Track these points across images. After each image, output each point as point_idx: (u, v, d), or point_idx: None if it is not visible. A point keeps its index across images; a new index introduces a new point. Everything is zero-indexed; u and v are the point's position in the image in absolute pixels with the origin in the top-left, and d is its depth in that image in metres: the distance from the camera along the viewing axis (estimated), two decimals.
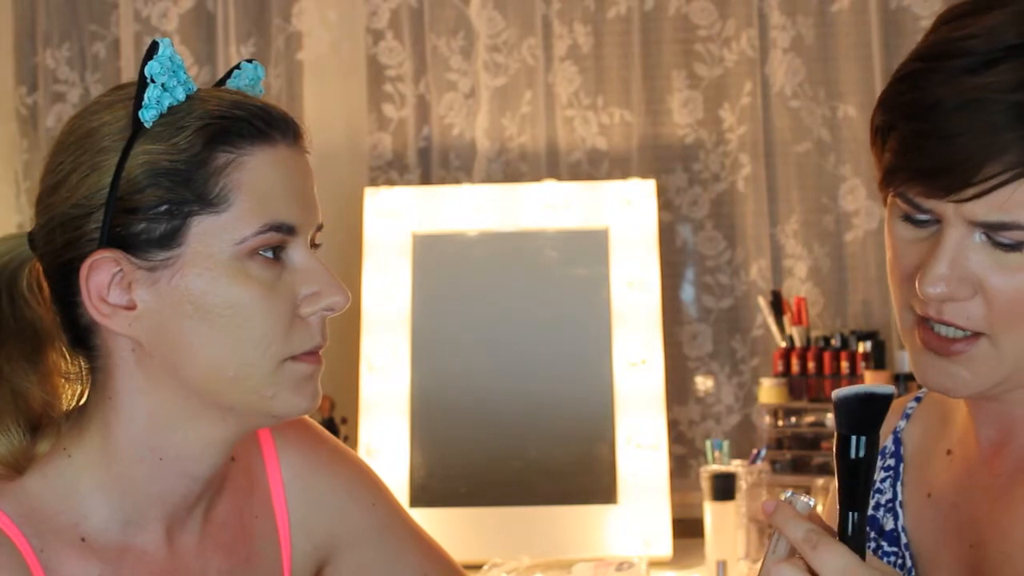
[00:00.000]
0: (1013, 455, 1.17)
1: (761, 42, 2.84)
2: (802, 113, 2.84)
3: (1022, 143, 1.04)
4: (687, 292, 2.88)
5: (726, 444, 2.54)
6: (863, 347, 2.69)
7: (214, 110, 1.13)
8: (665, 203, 2.85)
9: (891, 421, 1.28)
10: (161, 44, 1.13)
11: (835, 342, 2.72)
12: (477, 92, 2.89)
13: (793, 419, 2.68)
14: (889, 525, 1.26)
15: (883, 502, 1.26)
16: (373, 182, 2.91)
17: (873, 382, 2.58)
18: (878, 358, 2.69)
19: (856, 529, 1.04)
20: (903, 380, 2.64)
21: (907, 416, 1.29)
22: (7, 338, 1.16)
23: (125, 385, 1.15)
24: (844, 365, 2.69)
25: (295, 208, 1.15)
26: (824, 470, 2.61)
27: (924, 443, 1.27)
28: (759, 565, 1.07)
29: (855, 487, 1.04)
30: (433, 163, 2.91)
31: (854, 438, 1.04)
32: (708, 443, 2.56)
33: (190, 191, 1.11)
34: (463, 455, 2.62)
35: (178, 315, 1.12)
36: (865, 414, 1.04)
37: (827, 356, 2.70)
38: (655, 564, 2.50)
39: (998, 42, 1.06)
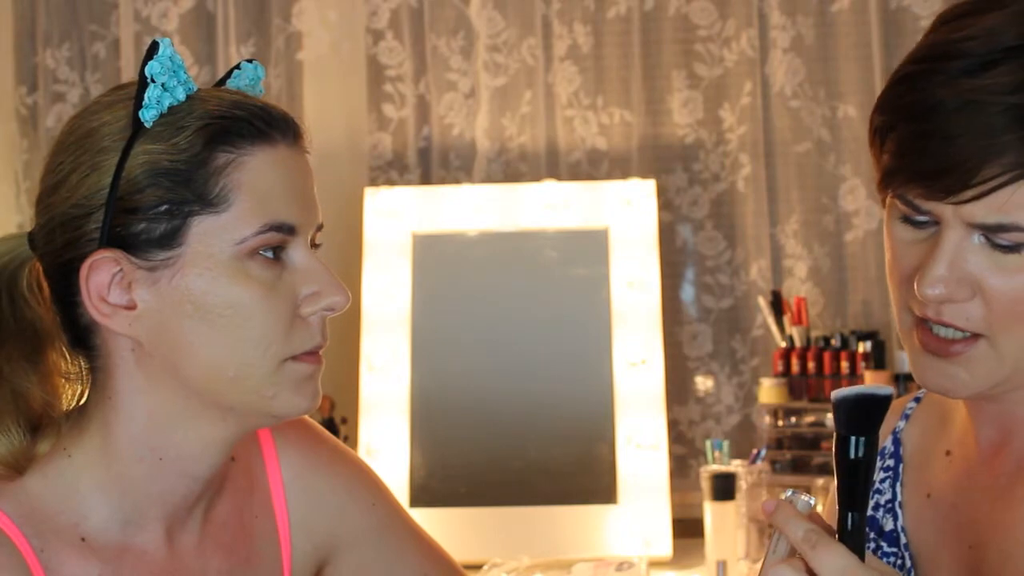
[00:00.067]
0: (1012, 455, 1.17)
1: (761, 42, 2.84)
2: (802, 113, 2.84)
3: (1020, 145, 1.04)
4: (687, 292, 2.88)
5: (726, 444, 2.54)
6: (863, 347, 2.69)
7: (214, 110, 1.13)
8: (665, 203, 2.85)
9: (890, 421, 1.28)
10: (161, 44, 1.13)
11: (835, 342, 2.72)
12: (477, 92, 2.89)
13: (793, 419, 2.68)
14: (888, 526, 1.26)
15: (882, 503, 1.26)
16: (373, 182, 2.91)
17: (873, 382, 2.58)
18: (878, 358, 2.69)
19: (855, 529, 1.04)
20: (903, 380, 2.64)
21: (906, 417, 1.29)
22: (7, 338, 1.16)
23: (125, 385, 1.15)
24: (844, 365, 2.69)
25: (295, 208, 1.15)
26: (824, 470, 2.61)
27: (923, 443, 1.27)
28: (759, 565, 1.07)
29: (854, 487, 1.04)
30: (433, 163, 2.91)
31: (853, 438, 1.04)
32: (708, 443, 2.56)
33: (190, 191, 1.11)
34: (463, 455, 2.62)
35: (178, 315, 1.12)
36: (864, 415, 1.04)
37: (827, 356, 2.70)
38: (655, 564, 2.50)
39: (997, 43, 1.06)
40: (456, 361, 2.67)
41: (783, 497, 1.07)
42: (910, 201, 1.10)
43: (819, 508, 1.09)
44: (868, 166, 2.72)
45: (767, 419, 2.68)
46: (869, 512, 1.24)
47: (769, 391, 2.68)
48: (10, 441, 1.13)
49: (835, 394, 1.05)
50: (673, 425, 2.82)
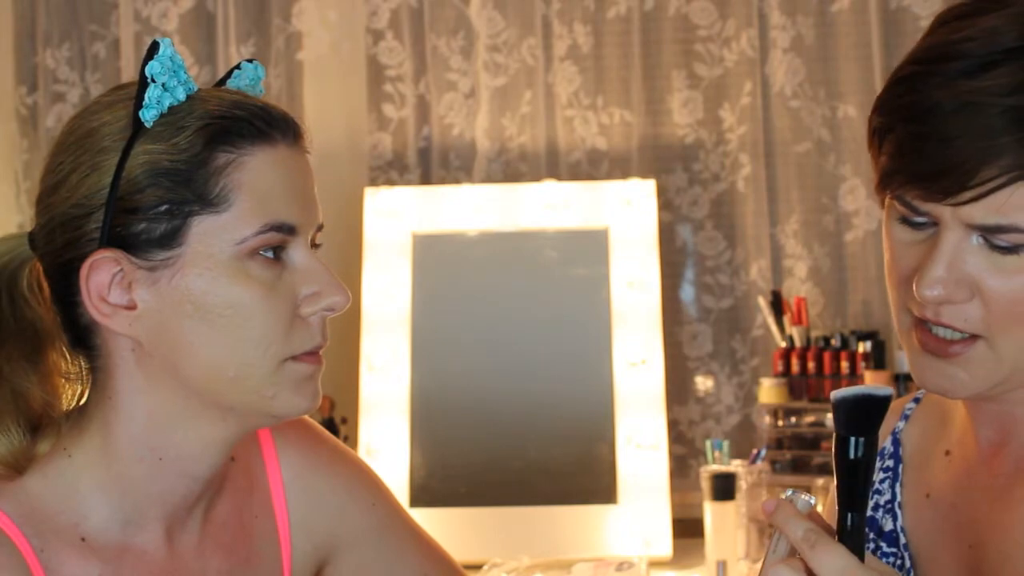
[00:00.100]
0: (1012, 456, 1.17)
1: (761, 42, 2.84)
2: (802, 113, 2.84)
3: (1018, 146, 1.04)
4: (687, 292, 2.88)
5: (726, 444, 2.54)
6: (863, 347, 2.69)
7: (214, 110, 1.13)
8: (665, 203, 2.85)
9: (890, 422, 1.28)
10: (162, 44, 1.13)
11: (835, 342, 2.72)
12: (477, 92, 2.89)
13: (793, 419, 2.68)
14: (888, 526, 1.26)
15: (882, 503, 1.26)
16: (373, 182, 2.91)
17: (873, 382, 2.59)
18: (878, 358, 2.69)
19: (855, 529, 1.04)
20: (903, 380, 2.64)
21: (906, 417, 1.29)
22: (7, 338, 1.16)
23: (125, 385, 1.15)
24: (844, 365, 2.69)
25: (295, 208, 1.15)
26: (824, 470, 2.61)
27: (923, 444, 1.27)
28: (759, 565, 1.07)
29: (854, 488, 1.04)
30: (433, 163, 2.91)
31: (853, 439, 1.04)
32: (708, 443, 2.56)
33: (190, 191, 1.11)
34: (463, 455, 2.62)
35: (178, 315, 1.12)
36: (863, 415, 1.04)
37: (827, 356, 2.70)
38: (655, 564, 2.50)
39: (996, 45, 1.06)
40: (456, 361, 2.67)
41: (783, 497, 1.07)
42: (908, 202, 1.10)
43: (819, 508, 1.09)
44: (868, 166, 2.71)
45: (767, 419, 2.68)
46: (869, 512, 1.24)
47: (769, 391, 2.68)
48: (10, 441, 1.13)
49: (834, 394, 1.05)
50: (673, 425, 2.82)
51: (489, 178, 2.87)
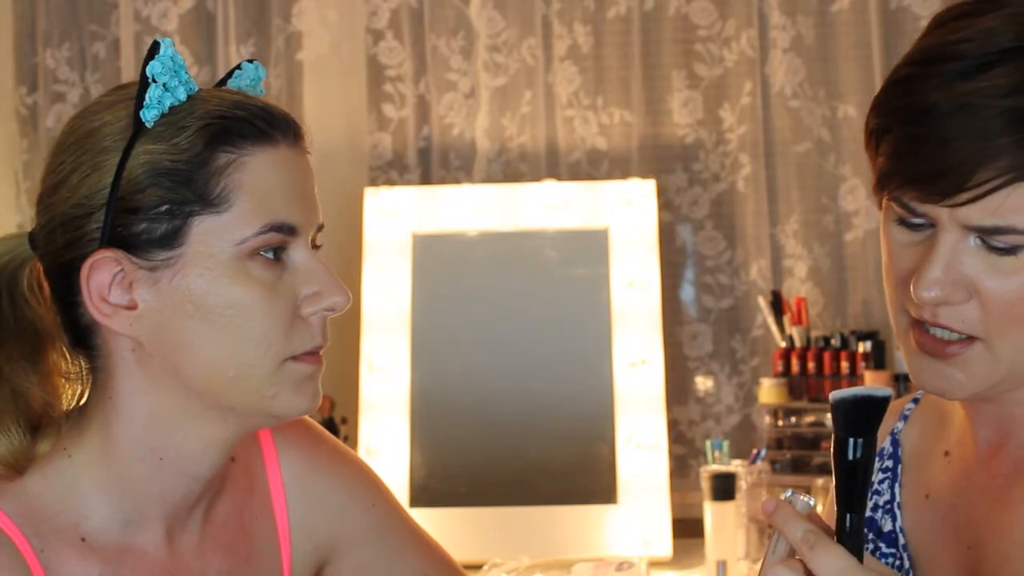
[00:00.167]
0: (1010, 456, 1.17)
1: (761, 42, 2.84)
2: (802, 113, 2.84)
3: (1015, 148, 1.04)
4: (687, 292, 2.89)
5: (726, 444, 2.54)
6: (863, 347, 2.69)
7: (215, 110, 1.13)
8: (665, 203, 2.85)
9: (889, 422, 1.28)
10: (162, 44, 1.13)
11: (835, 342, 2.72)
12: (477, 92, 2.89)
13: (793, 419, 2.68)
14: (887, 526, 1.26)
15: (881, 503, 1.26)
16: (373, 182, 2.91)
17: (873, 382, 2.59)
18: (878, 358, 2.69)
19: (854, 530, 1.04)
20: (903, 380, 2.64)
21: (905, 417, 1.29)
22: (7, 338, 1.16)
23: (125, 385, 1.15)
24: (844, 365, 2.69)
25: (296, 208, 1.15)
26: (824, 470, 2.61)
27: (922, 444, 1.27)
28: (759, 565, 1.07)
29: (852, 488, 1.04)
30: (433, 163, 2.91)
31: (851, 440, 1.04)
32: (708, 443, 2.56)
33: (191, 191, 1.11)
34: (463, 455, 2.62)
35: (179, 315, 1.12)
36: (862, 416, 1.04)
37: (827, 356, 2.70)
38: (655, 564, 2.50)
39: (992, 46, 1.06)
40: (456, 361, 2.67)
41: (782, 498, 1.07)
42: (906, 204, 1.10)
43: (819, 509, 1.09)
44: (868, 166, 2.72)
45: (767, 419, 2.68)
46: (868, 513, 1.24)
47: (769, 391, 2.69)
48: (10, 441, 1.13)
49: (833, 396, 1.05)
50: (673, 425, 2.82)
51: (489, 178, 2.87)
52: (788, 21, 2.83)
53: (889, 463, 1.27)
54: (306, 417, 1.30)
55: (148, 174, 1.11)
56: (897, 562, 1.24)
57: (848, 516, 1.04)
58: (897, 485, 1.26)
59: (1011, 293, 1.08)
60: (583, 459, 2.60)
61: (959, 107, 1.05)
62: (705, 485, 2.46)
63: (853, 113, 2.81)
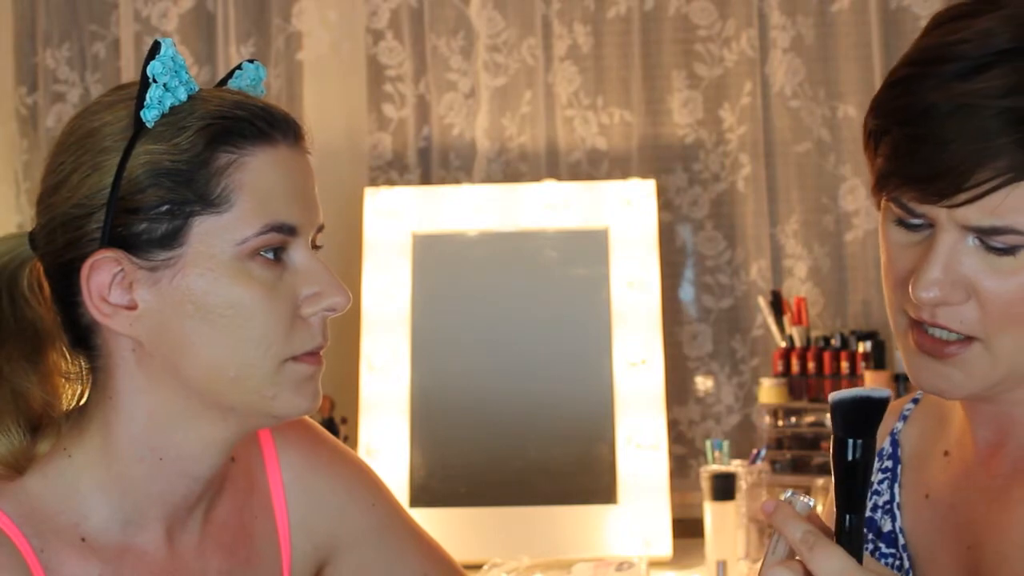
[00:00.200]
0: (1010, 456, 1.17)
1: (761, 42, 2.84)
2: (802, 113, 2.84)
3: (1013, 148, 1.04)
4: (687, 292, 2.89)
5: (726, 444, 2.54)
6: (863, 347, 2.69)
7: (216, 110, 1.13)
8: (665, 203, 2.85)
9: (888, 423, 1.28)
10: (163, 44, 1.13)
11: (835, 342, 2.72)
12: (477, 92, 2.89)
13: (793, 419, 2.68)
14: (887, 527, 1.26)
15: (881, 504, 1.26)
16: (373, 182, 2.91)
17: (873, 382, 2.59)
18: (878, 358, 2.69)
19: (853, 531, 1.04)
20: (903, 380, 2.64)
21: (904, 418, 1.29)
22: (7, 338, 1.16)
23: (126, 385, 1.15)
24: (844, 365, 2.69)
25: (296, 209, 1.15)
26: (824, 470, 2.61)
27: (921, 445, 1.27)
28: (759, 565, 1.07)
29: (852, 489, 1.04)
30: (433, 163, 2.91)
31: (850, 441, 1.04)
32: (708, 443, 2.56)
33: (192, 191, 1.11)
34: (463, 455, 2.62)
35: (179, 315, 1.12)
36: (861, 417, 1.04)
37: (827, 356, 2.70)
38: (655, 564, 2.50)
39: (990, 46, 1.06)
40: (456, 361, 2.67)
41: (782, 498, 1.07)
42: (904, 204, 1.10)
43: (819, 509, 1.09)
44: (867, 167, 2.72)
45: (767, 419, 2.69)
46: (868, 513, 1.24)
47: (769, 391, 2.69)
48: (10, 441, 1.13)
49: (833, 396, 1.05)
50: (673, 425, 2.82)
51: (489, 178, 2.87)
52: (788, 21, 2.83)
53: (889, 463, 1.27)
54: (306, 417, 1.30)
55: (148, 174, 1.11)
56: (897, 562, 1.24)
57: (847, 517, 1.04)
58: (897, 485, 1.26)
59: (1010, 293, 1.08)
60: (583, 459, 2.60)
61: (957, 108, 1.05)
62: (705, 485, 2.46)
63: (853, 113, 2.81)
